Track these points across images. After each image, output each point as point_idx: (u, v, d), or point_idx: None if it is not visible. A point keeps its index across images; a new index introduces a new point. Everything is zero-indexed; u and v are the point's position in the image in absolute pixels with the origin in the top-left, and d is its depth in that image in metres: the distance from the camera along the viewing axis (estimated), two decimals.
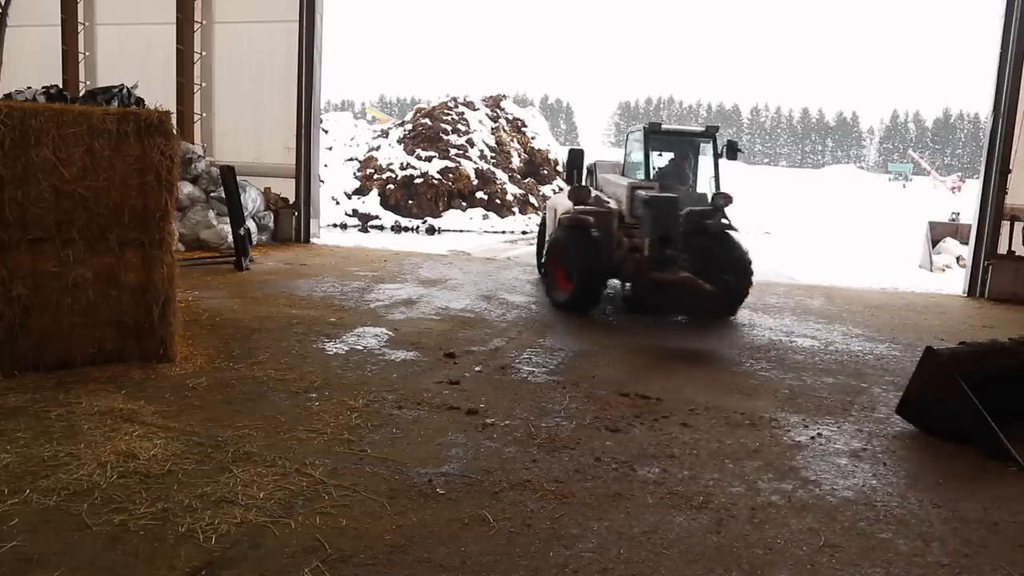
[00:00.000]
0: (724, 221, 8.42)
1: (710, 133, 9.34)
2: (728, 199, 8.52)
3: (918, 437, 4.99)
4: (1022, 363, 5.29)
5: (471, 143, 19.76)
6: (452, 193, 18.46)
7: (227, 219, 10.72)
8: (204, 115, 13.67)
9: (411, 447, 4.34)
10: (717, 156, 9.11)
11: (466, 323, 7.64)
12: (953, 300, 10.82)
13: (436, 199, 18.26)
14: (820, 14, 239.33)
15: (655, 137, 9.29)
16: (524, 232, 17.39)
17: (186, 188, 11.41)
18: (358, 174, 19.01)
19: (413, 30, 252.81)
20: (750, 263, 8.30)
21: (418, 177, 18.38)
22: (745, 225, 13.79)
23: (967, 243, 12.10)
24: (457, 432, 4.61)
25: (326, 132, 19.39)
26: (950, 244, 14.77)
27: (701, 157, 9.50)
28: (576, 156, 9.33)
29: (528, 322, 7.83)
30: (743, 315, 8.71)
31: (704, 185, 9.33)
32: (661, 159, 9.66)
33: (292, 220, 13.12)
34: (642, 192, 8.38)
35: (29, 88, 10.98)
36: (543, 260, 9.74)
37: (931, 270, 13.84)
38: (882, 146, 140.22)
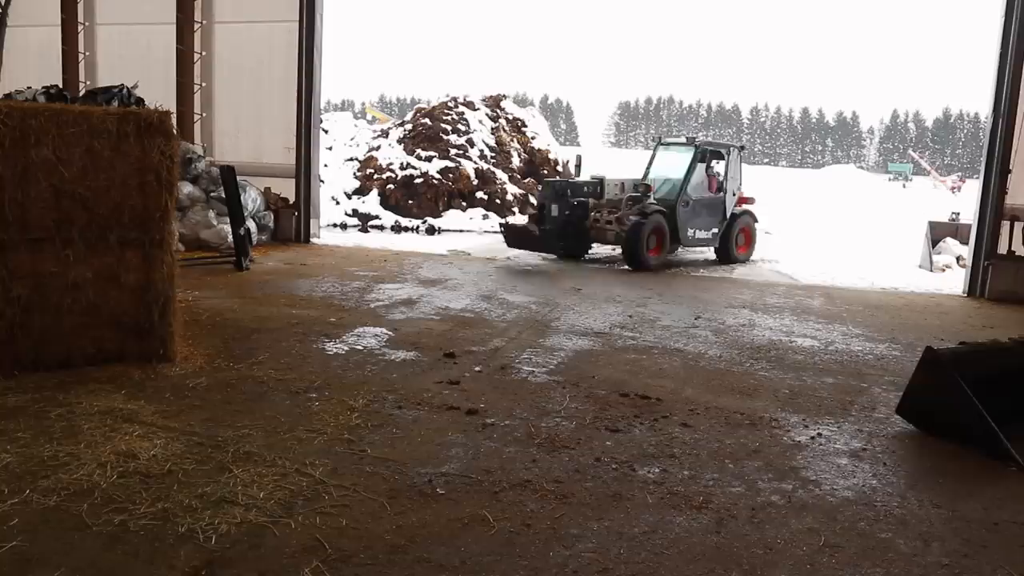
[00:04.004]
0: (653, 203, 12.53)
1: (689, 143, 13.64)
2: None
3: (918, 437, 4.99)
4: (1022, 363, 5.30)
5: (471, 143, 19.72)
6: (452, 193, 18.42)
7: (227, 219, 10.71)
8: (204, 115, 13.67)
9: (411, 447, 4.35)
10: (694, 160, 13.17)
11: (466, 323, 7.64)
12: (953, 300, 10.82)
13: (436, 199, 18.23)
14: (820, 14, 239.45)
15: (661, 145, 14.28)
16: None
17: (186, 188, 11.40)
18: (358, 174, 18.96)
19: (413, 30, 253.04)
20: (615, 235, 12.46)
21: (418, 177, 18.35)
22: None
23: (967, 243, 12.08)
24: (457, 432, 4.61)
25: (326, 132, 19.33)
26: (950, 244, 14.73)
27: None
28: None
29: (528, 322, 7.83)
30: (743, 315, 8.73)
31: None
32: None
33: (292, 220, 13.11)
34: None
35: (29, 88, 10.99)
36: None
37: (931, 270, 13.80)
38: (882, 146, 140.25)
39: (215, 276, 9.47)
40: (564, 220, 12.50)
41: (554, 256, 12.81)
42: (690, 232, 12.95)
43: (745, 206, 13.94)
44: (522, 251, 13.03)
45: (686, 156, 13.24)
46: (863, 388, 6.04)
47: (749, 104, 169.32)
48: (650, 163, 13.87)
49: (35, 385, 4.99)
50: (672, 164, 13.45)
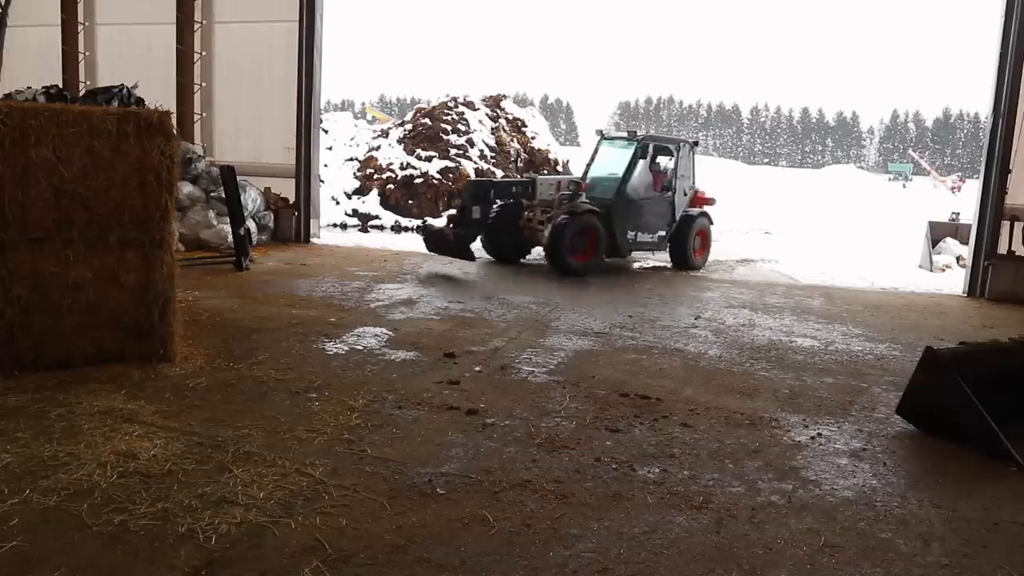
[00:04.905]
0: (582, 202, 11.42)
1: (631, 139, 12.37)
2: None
3: (918, 437, 4.99)
4: (1022, 363, 5.30)
5: (471, 143, 19.73)
6: (452, 193, 18.43)
7: (227, 219, 10.71)
8: (204, 115, 13.67)
9: (411, 447, 4.34)
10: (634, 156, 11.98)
11: (466, 323, 7.64)
12: (953, 300, 10.82)
13: (436, 199, 18.25)
14: (820, 14, 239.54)
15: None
16: None
17: (186, 188, 11.40)
18: (358, 174, 18.97)
19: (413, 30, 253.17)
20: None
21: (418, 177, 18.36)
22: (745, 225, 13.97)
23: (967, 243, 12.09)
24: (457, 432, 4.61)
25: (326, 132, 19.33)
26: (950, 244, 14.75)
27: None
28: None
29: (528, 322, 7.83)
30: (743, 315, 8.73)
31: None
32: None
33: (292, 220, 13.11)
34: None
35: (29, 88, 10.99)
36: None
37: (931, 270, 13.82)
38: (882, 146, 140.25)
39: (215, 276, 9.47)
40: (494, 222, 11.53)
41: (471, 261, 11.28)
42: (631, 235, 11.79)
43: (704, 207, 12.91)
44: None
45: (627, 152, 11.99)
46: (863, 388, 6.04)
47: (749, 104, 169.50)
48: (591, 160, 12.78)
49: (35, 385, 4.98)
50: (614, 161, 12.26)
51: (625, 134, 12.68)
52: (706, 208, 13.03)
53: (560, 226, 10.84)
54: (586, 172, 12.69)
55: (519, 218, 11.69)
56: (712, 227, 13.14)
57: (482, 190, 11.66)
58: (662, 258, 13.34)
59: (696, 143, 13.29)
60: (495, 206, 11.65)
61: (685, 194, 12.55)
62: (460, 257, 11.12)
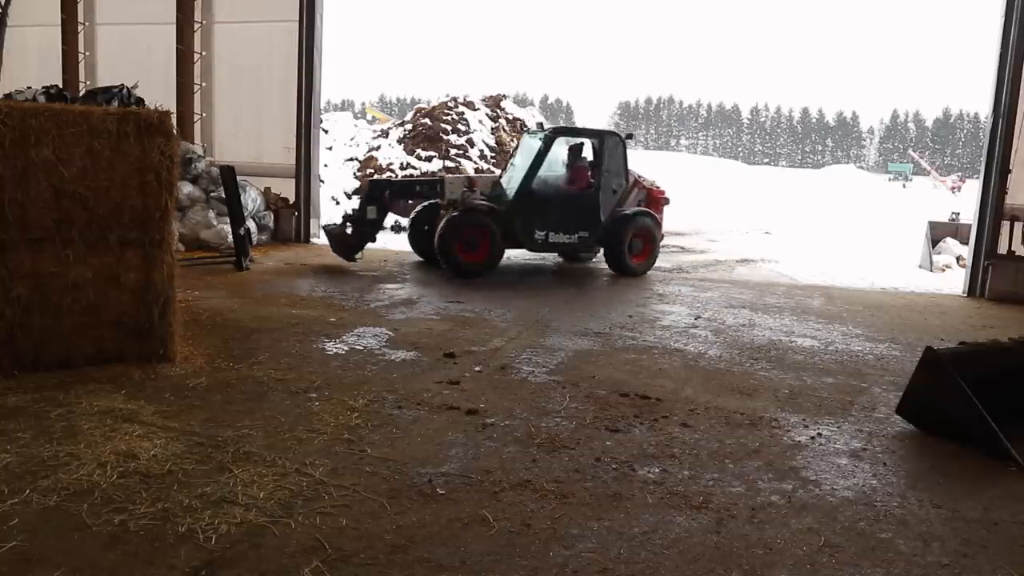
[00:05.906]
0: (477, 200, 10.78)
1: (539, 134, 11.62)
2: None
3: (918, 437, 4.99)
4: (1022, 363, 5.29)
5: (471, 143, 19.73)
6: None
7: (227, 219, 10.72)
8: (204, 115, 13.67)
9: (411, 447, 4.35)
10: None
11: (466, 323, 7.64)
12: (953, 300, 10.82)
13: None
14: (820, 14, 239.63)
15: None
16: None
17: (186, 188, 11.41)
18: (358, 174, 18.97)
19: (413, 30, 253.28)
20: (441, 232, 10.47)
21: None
22: (745, 225, 13.88)
23: (967, 243, 12.10)
24: (457, 432, 4.61)
25: (326, 132, 19.33)
26: (950, 244, 14.75)
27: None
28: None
29: (528, 322, 7.83)
30: (743, 315, 8.72)
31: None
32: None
33: (292, 220, 13.12)
34: None
35: (29, 88, 11.00)
36: None
37: (931, 270, 13.82)
38: (882, 146, 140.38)
39: (215, 276, 9.47)
40: (415, 223, 11.49)
41: (350, 261, 10.89)
42: (540, 234, 10.78)
43: (659, 207, 11.77)
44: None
45: (537, 147, 10.99)
46: (863, 388, 6.04)
47: (749, 104, 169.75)
48: (512, 155, 12.14)
49: (35, 385, 4.98)
50: (528, 156, 11.19)
51: (535, 127, 12.09)
52: (664, 208, 11.95)
53: (447, 224, 10.31)
54: (505, 168, 12.09)
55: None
56: (658, 228, 11.62)
57: (377, 191, 11.31)
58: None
59: (630, 136, 11.96)
60: (419, 206, 11.55)
61: (615, 192, 11.18)
62: (341, 256, 10.90)
